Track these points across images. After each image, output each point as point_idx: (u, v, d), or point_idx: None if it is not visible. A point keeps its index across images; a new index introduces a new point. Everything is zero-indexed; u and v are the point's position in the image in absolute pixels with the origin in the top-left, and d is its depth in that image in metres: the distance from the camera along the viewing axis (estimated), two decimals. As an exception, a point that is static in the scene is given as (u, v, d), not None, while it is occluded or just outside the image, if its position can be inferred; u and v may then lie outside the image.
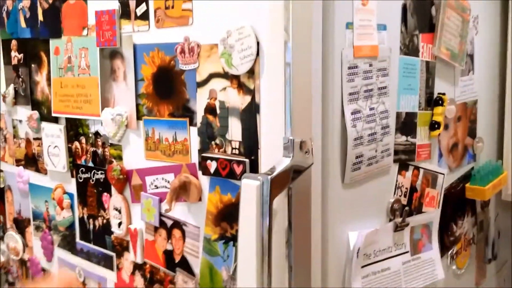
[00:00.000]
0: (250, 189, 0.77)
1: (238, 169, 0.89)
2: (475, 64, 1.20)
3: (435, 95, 1.07)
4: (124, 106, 1.08)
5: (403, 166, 1.01)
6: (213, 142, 0.93)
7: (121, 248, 1.15)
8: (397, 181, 1.00)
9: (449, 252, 1.18)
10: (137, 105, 1.05)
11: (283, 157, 0.81)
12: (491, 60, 1.28)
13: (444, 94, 1.07)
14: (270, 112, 0.85)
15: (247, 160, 0.88)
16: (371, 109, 0.92)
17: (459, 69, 1.14)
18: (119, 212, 1.13)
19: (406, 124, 1.01)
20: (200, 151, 0.96)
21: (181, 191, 0.96)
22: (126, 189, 1.11)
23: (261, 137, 0.86)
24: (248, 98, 0.87)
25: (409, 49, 1.00)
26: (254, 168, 0.88)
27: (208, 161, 0.93)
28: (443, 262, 1.11)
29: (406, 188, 1.02)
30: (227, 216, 0.93)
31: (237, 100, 0.89)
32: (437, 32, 1.04)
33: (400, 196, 1.01)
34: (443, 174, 1.11)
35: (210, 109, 0.93)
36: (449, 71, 1.11)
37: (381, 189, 0.97)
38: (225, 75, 0.90)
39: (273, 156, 0.84)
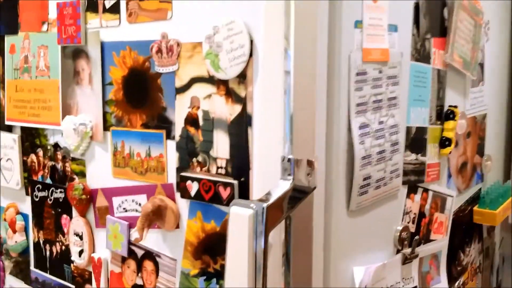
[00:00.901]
0: (241, 219, 0.63)
1: (224, 193, 0.74)
2: (485, 74, 1.09)
3: (445, 108, 0.96)
4: (89, 114, 0.92)
5: (412, 189, 0.88)
6: (194, 160, 0.78)
7: (82, 280, 0.98)
8: (405, 205, 0.87)
9: (456, 284, 1.06)
10: (104, 113, 0.90)
11: (281, 179, 0.67)
12: (500, 70, 1.18)
13: (456, 107, 0.95)
14: (265, 125, 0.71)
15: (235, 182, 0.73)
16: (380, 122, 0.79)
17: (469, 79, 1.02)
18: (80, 238, 0.96)
19: (416, 141, 0.88)
20: (179, 169, 0.81)
21: (155, 217, 0.81)
22: (89, 211, 0.96)
23: (253, 155, 0.72)
24: (238, 108, 0.73)
25: (421, 54, 0.87)
26: (243, 191, 0.73)
27: (188, 182, 0.78)
28: (450, 295, 0.99)
29: (415, 214, 0.89)
30: (210, 247, 0.78)
31: (225, 110, 0.74)
32: (450, 37, 0.92)
33: (408, 222, 0.88)
34: (452, 196, 0.99)
35: (191, 120, 0.78)
36: (459, 81, 1.00)
37: (388, 216, 0.84)
38: (210, 80, 0.76)
39: (267, 178, 0.70)
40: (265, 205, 0.63)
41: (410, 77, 0.85)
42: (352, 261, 0.78)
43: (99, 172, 0.93)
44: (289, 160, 0.67)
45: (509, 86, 1.21)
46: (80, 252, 0.97)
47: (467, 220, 1.08)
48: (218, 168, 0.76)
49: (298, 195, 0.67)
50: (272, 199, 0.64)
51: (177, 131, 0.80)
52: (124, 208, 0.89)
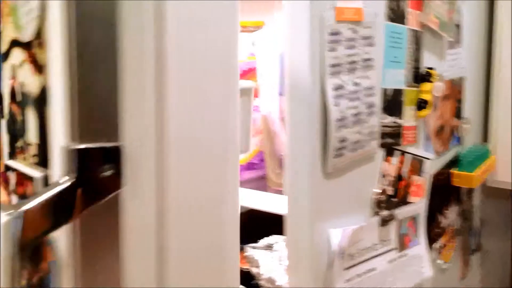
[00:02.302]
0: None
1: (26, 189, 0.60)
2: (462, 36, 1.08)
3: (422, 70, 0.95)
4: None
5: (388, 152, 0.88)
6: (17, 144, 0.64)
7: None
8: (382, 168, 0.87)
9: (435, 245, 1.07)
10: None
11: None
12: (477, 32, 1.17)
13: (432, 68, 0.94)
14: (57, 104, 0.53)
15: (38, 175, 0.57)
16: (355, 84, 0.78)
17: (446, 41, 1.01)
18: None
19: (392, 103, 0.88)
20: (10, 155, 0.66)
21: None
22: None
23: (52, 141, 0.55)
24: (42, 80, 0.56)
25: (396, 15, 0.86)
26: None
27: (9, 172, 0.64)
28: (428, 257, 0.99)
29: (392, 177, 0.89)
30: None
31: (32, 81, 0.58)
32: (426, -3, 0.91)
33: (385, 185, 0.88)
34: (430, 159, 0.99)
35: (12, 95, 0.64)
36: (436, 43, 0.99)
37: (365, 179, 0.84)
38: (24, 43, 0.59)
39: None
40: (20, 212, 0.46)
41: (386, 38, 0.84)
42: (329, 223, 0.78)
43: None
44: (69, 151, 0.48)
45: (486, 48, 1.20)
46: None
47: (445, 183, 1.08)
48: (32, 156, 0.61)
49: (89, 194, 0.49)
50: (34, 203, 0.47)
51: (6, 108, 0.66)
52: None
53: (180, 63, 0.51)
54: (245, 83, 0.60)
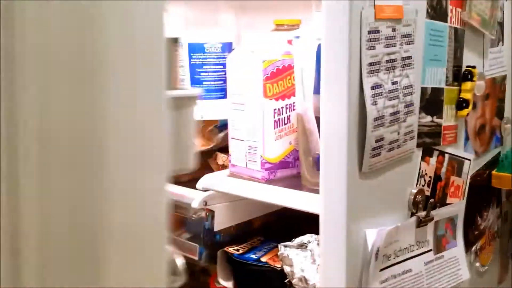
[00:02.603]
0: None
1: None
2: (504, 34, 1.05)
3: (463, 68, 0.93)
4: None
5: (427, 152, 0.87)
6: None
7: None
8: (420, 168, 0.86)
9: (473, 248, 1.05)
10: None
11: None
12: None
13: (474, 67, 0.92)
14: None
15: None
16: (393, 83, 0.77)
17: (488, 39, 0.99)
18: None
19: (431, 102, 0.86)
20: None
21: None
22: None
23: None
24: None
25: (437, 12, 0.84)
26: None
27: None
28: (466, 259, 0.97)
29: (430, 177, 0.88)
30: None
31: None
32: (468, -6, 0.89)
33: (423, 186, 0.86)
34: (470, 160, 0.97)
35: None
36: (478, 41, 0.96)
37: (402, 179, 0.83)
38: None
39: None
40: None
41: (426, 36, 0.83)
42: (364, 223, 0.77)
43: None
44: None
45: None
46: None
47: (485, 184, 1.06)
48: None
49: None
50: None
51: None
52: None
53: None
54: (182, 92, 0.51)
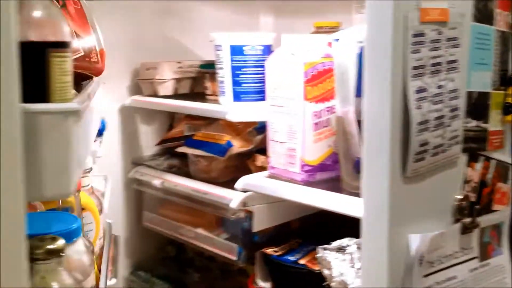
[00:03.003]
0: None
1: None
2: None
3: (510, 72, 0.90)
4: None
5: (472, 157, 0.85)
6: None
7: None
8: (465, 174, 0.84)
9: (519, 256, 1.02)
10: None
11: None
12: None
13: (521, 70, 0.90)
14: None
15: None
16: (438, 87, 0.76)
17: (537, 41, 0.96)
18: None
19: (477, 106, 0.84)
20: None
21: None
22: None
23: None
24: None
25: (483, 15, 0.82)
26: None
27: None
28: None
29: (476, 183, 0.86)
30: None
31: None
32: (516, -5, 0.86)
33: (468, 191, 0.85)
34: (516, 165, 0.94)
35: None
36: (526, 44, 0.93)
37: (446, 184, 0.82)
38: None
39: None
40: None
41: (472, 39, 0.81)
42: (408, 228, 0.76)
43: None
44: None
45: None
46: None
47: (531, 190, 1.02)
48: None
49: None
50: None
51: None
52: None
53: None
54: (49, 107, 0.46)
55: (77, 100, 0.49)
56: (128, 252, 1.53)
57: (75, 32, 0.66)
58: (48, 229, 0.59)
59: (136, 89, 1.48)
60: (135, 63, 1.46)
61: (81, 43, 0.66)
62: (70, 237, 0.62)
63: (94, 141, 1.20)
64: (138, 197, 1.50)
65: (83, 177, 0.84)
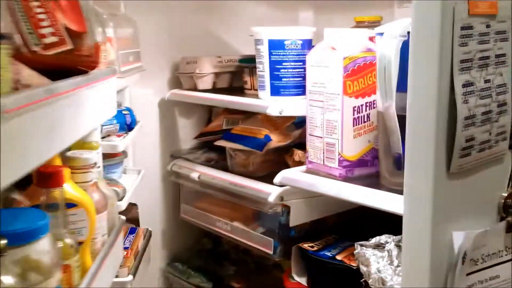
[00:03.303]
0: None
1: None
2: None
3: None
4: None
5: (519, 154, 0.82)
6: None
7: None
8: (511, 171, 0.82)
9: None
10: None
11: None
12: None
13: None
14: None
15: None
16: (486, 81, 0.74)
17: None
18: None
19: (526, 102, 0.82)
20: None
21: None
22: None
23: None
24: None
25: (534, 7, 0.80)
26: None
27: None
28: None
29: (522, 181, 0.83)
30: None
31: None
32: None
33: (514, 189, 0.82)
34: None
35: None
36: None
37: (492, 181, 0.80)
38: None
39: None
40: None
41: (522, 32, 0.78)
42: (451, 226, 0.75)
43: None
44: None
45: None
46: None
47: None
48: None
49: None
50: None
51: None
52: None
53: None
54: None
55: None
56: (165, 244, 1.56)
57: (65, 26, 0.66)
58: (8, 227, 0.57)
59: (175, 83, 1.50)
60: (175, 57, 1.49)
61: (71, 37, 0.66)
62: (29, 236, 0.59)
63: (118, 135, 1.21)
64: (176, 189, 1.53)
65: (83, 172, 0.83)
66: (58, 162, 0.77)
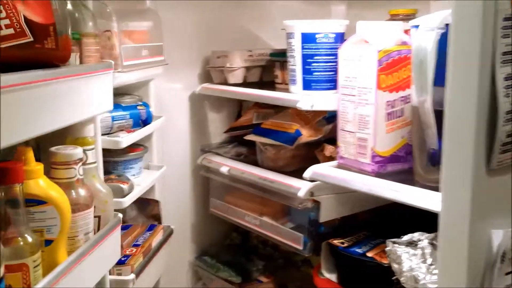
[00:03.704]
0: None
1: None
2: None
3: None
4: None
5: None
6: None
7: None
8: (554, 168, 0.79)
9: None
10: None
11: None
12: None
13: None
14: None
15: None
16: (529, 74, 0.71)
17: None
18: None
19: None
20: None
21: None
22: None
23: None
24: None
25: None
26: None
27: None
28: None
29: None
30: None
31: None
32: None
33: (557, 188, 0.79)
34: None
35: None
36: None
37: (533, 178, 0.77)
38: None
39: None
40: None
41: None
42: (490, 223, 0.72)
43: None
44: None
45: None
46: None
47: None
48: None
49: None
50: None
51: None
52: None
53: None
54: None
55: None
56: (194, 237, 1.57)
57: (25, 17, 0.62)
58: None
59: (206, 77, 1.50)
60: (206, 51, 1.49)
61: (33, 29, 0.63)
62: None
63: (131, 131, 1.19)
64: (205, 183, 1.53)
65: (65, 168, 0.79)
66: (31, 156, 0.73)
